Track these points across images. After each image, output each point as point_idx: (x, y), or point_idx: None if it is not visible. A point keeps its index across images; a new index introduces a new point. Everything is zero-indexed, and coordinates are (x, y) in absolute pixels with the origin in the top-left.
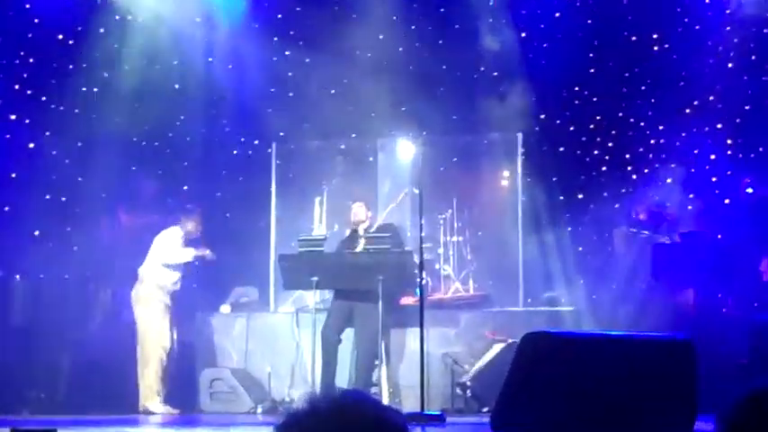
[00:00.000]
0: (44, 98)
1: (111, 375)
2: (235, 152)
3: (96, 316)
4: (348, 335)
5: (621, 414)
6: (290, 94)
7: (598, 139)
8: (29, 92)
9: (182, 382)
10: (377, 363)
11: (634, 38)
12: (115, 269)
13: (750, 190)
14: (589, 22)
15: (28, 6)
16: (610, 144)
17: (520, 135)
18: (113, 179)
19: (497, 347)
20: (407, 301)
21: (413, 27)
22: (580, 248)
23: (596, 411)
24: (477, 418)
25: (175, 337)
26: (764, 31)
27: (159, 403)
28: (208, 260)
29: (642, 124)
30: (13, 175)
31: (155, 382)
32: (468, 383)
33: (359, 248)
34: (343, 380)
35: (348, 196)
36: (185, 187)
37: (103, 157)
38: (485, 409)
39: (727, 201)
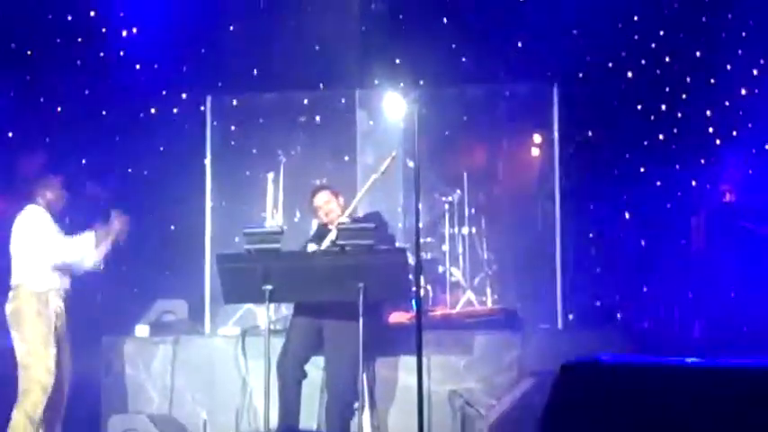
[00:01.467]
0: None
1: None
2: (153, 110)
3: None
4: (316, 366)
5: None
6: (231, 27)
7: (667, 89)
8: None
9: None
10: (356, 405)
11: None
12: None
13: None
14: None
15: None
16: (683, 96)
17: (556, 85)
18: None
19: (527, 382)
20: (399, 318)
21: None
22: (642, 242)
23: None
24: None
25: (68, 371)
26: None
27: None
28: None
29: (729, 68)
30: None
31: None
32: None
33: (325, 244)
34: (310, 427)
35: (314, 172)
36: (83, 161)
37: None
38: None
39: None
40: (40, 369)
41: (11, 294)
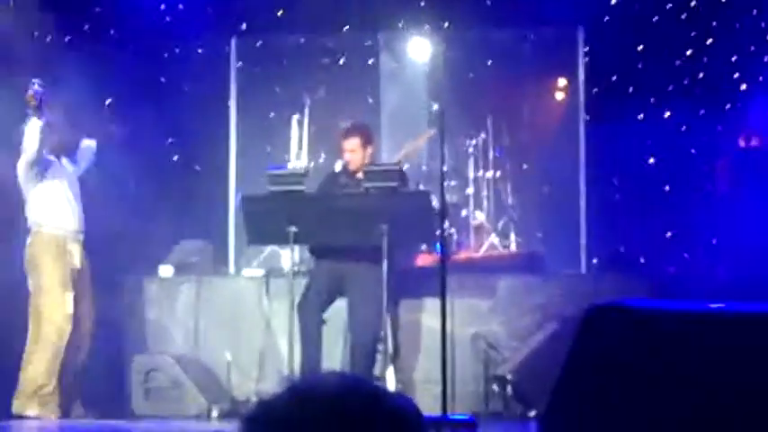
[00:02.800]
0: None
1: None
2: (177, 50)
3: None
4: (339, 309)
5: (748, 419)
6: None
7: (693, 34)
8: None
9: (104, 374)
10: (380, 349)
11: None
12: (20, 221)
13: None
14: None
15: None
16: (709, 41)
17: (582, 28)
18: (5, 90)
19: (551, 326)
20: (423, 261)
21: None
22: (667, 187)
23: (702, 417)
24: (520, 424)
25: (88, 316)
26: None
27: (37, 406)
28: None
29: (755, 12)
30: None
31: (40, 376)
32: (509, 376)
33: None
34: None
35: (338, 114)
36: (108, 101)
37: None
38: (531, 413)
39: None
40: (58, 315)
41: (28, 239)
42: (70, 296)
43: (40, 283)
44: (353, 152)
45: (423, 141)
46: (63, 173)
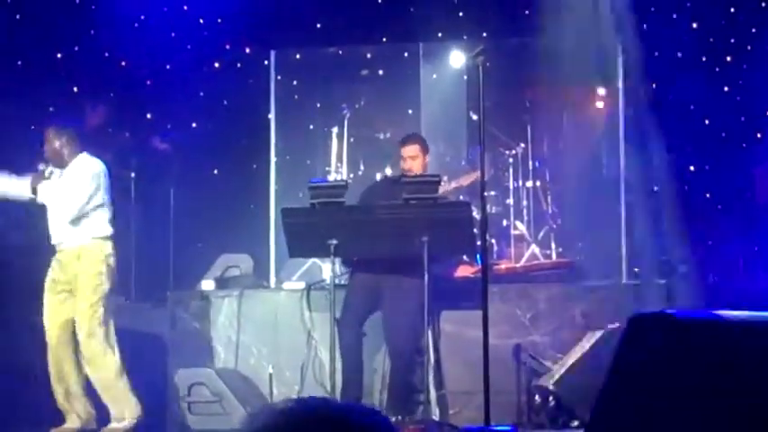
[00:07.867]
0: None
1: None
2: (217, 65)
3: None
4: (379, 321)
5: None
6: None
7: (732, 41)
8: None
9: (146, 388)
10: (420, 360)
11: None
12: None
13: None
14: None
15: None
16: (749, 47)
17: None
18: (44, 104)
19: (594, 336)
20: (464, 272)
21: None
22: (708, 195)
23: (747, 426)
24: None
25: (105, 324)
26: None
27: (75, 416)
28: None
29: None
30: None
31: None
32: (552, 387)
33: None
34: (373, 384)
35: (377, 125)
36: (148, 116)
37: (27, 73)
38: (574, 423)
39: None
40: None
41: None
42: (47, 302)
43: None
44: (414, 158)
45: (467, 183)
46: None
